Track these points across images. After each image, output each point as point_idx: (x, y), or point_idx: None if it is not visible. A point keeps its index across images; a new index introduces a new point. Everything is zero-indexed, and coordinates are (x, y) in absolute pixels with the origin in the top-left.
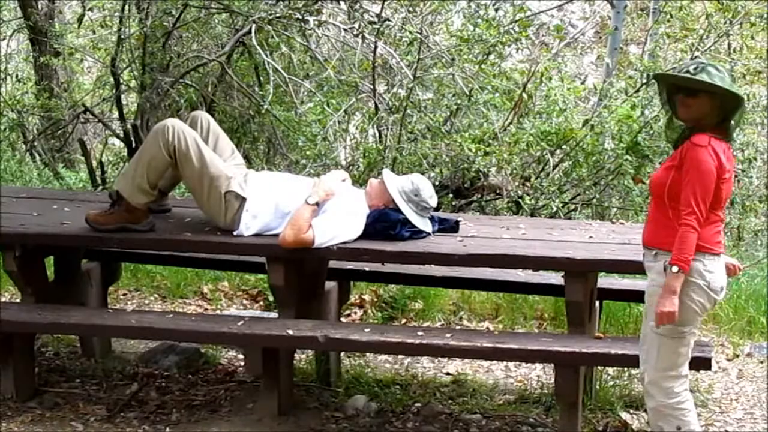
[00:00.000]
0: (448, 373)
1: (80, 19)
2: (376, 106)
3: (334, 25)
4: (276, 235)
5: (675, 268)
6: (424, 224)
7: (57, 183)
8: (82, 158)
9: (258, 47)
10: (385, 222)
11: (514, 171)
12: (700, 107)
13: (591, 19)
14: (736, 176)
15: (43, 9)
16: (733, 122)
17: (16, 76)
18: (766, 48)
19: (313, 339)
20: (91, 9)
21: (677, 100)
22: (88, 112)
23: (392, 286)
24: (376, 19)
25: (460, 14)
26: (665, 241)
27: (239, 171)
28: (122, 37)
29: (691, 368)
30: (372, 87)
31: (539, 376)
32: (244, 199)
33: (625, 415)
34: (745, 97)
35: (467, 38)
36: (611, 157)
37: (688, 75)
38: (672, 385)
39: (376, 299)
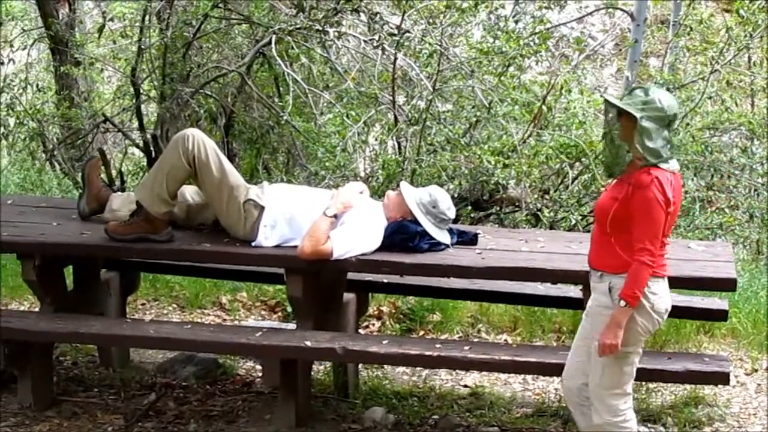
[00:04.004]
0: (465, 386)
1: (101, 29)
2: (396, 117)
3: (354, 36)
4: (294, 247)
5: (623, 303)
6: (442, 236)
7: (77, 192)
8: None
9: (278, 58)
10: (403, 234)
11: (533, 183)
12: (625, 129)
13: (611, 31)
14: (755, 190)
15: (64, 19)
16: (650, 144)
17: (37, 85)
18: None
19: (331, 350)
20: (111, 19)
21: None
22: (108, 122)
23: (410, 297)
24: (395, 31)
25: (480, 26)
26: (608, 264)
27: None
28: (142, 47)
29: (709, 383)
30: (391, 98)
31: (557, 389)
32: (262, 209)
33: (642, 429)
34: (640, 117)
35: (487, 50)
36: None
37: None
38: (616, 402)
39: (394, 311)
